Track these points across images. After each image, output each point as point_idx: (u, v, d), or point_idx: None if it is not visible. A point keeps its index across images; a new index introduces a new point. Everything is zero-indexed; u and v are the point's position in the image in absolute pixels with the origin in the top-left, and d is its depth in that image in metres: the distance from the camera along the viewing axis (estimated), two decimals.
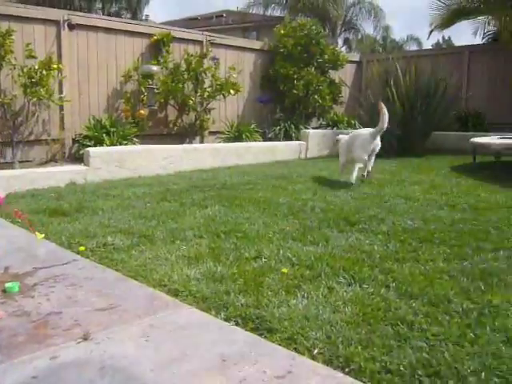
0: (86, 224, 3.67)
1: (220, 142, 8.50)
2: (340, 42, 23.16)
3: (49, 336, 1.84)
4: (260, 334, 1.89)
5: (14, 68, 6.37)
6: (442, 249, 2.95)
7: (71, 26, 7.24)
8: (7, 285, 2.33)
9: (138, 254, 2.92)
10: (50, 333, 1.87)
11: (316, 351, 1.76)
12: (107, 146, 6.82)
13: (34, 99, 6.54)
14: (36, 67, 6.45)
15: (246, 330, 1.91)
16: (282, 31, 9.64)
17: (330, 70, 10.05)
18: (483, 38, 11.57)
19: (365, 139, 5.25)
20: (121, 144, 7.00)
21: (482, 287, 2.35)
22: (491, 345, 1.82)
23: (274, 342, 1.83)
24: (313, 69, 9.58)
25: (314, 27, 9.64)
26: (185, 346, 1.75)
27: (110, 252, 2.98)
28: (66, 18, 7.21)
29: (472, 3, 10.08)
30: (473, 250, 2.93)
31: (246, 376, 1.56)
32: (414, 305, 2.14)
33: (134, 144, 7.22)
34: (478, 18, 10.84)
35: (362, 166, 5.35)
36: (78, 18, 7.49)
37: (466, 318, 2.03)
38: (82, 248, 3.05)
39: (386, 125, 5.06)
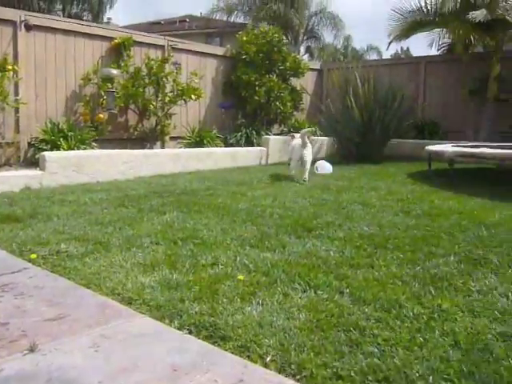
0: (39, 231, 3.57)
1: (181, 148, 8.44)
2: (302, 49, 23.47)
3: None
4: (213, 343, 1.88)
5: None
6: (395, 254, 3.01)
7: (28, 27, 7.05)
8: None
9: (92, 261, 2.86)
10: None
11: (269, 359, 1.77)
12: (64, 150, 6.65)
13: None
14: None
15: (200, 339, 1.90)
16: (245, 38, 9.68)
17: (291, 78, 10.16)
18: (438, 49, 11.97)
19: (296, 147, 6.16)
20: (79, 148, 6.84)
21: (433, 292, 2.41)
22: (439, 348, 1.87)
23: (227, 350, 1.83)
24: (274, 76, 9.66)
25: (275, 35, 9.72)
26: (136, 356, 1.72)
27: (63, 260, 2.91)
28: (22, 18, 7.01)
29: (428, 16, 10.42)
30: (425, 255, 3.01)
31: None
32: (366, 310, 2.17)
33: (93, 148, 7.07)
34: (434, 30, 11.19)
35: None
36: (36, 18, 7.30)
37: (416, 322, 2.08)
38: (33, 256, 2.96)
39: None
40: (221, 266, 2.74)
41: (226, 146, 8.85)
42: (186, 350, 1.78)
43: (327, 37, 24.69)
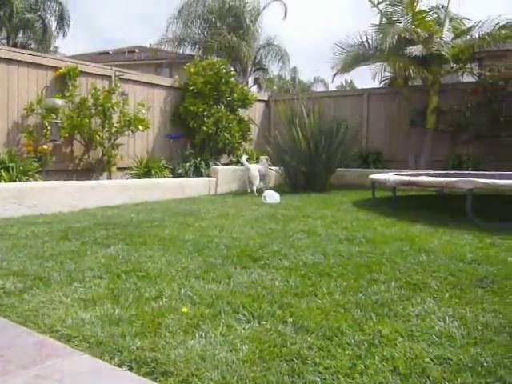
0: None
1: (129, 179, 8.33)
2: (250, 81, 23.92)
3: None
4: (154, 379, 1.84)
5: None
6: (339, 282, 3.07)
7: None
8: None
9: (31, 297, 2.75)
10: None
11: None
12: (5, 181, 6.43)
13: None
14: None
15: (140, 375, 1.85)
16: (192, 69, 9.80)
17: (239, 109, 10.34)
18: (381, 81, 12.54)
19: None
20: (21, 180, 6.63)
21: (374, 318, 2.47)
22: (379, 375, 1.91)
23: None
24: (222, 107, 9.80)
25: (223, 66, 9.90)
26: None
27: (0, 297, 2.78)
28: None
29: (369, 50, 10.94)
30: (367, 282, 3.09)
31: None
32: (309, 339, 2.20)
33: (36, 180, 6.87)
34: (376, 63, 11.75)
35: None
36: None
37: (357, 349, 2.12)
38: None
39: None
40: (165, 299, 2.70)
41: (174, 177, 8.82)
42: None
43: (274, 69, 25.39)
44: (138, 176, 8.34)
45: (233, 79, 10.08)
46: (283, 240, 4.30)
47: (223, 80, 9.75)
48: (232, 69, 10.46)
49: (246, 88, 10.89)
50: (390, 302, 2.71)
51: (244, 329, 2.29)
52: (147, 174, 8.35)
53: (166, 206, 6.74)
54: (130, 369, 1.92)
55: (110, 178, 8.26)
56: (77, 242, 4.21)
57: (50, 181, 6.83)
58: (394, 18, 10.87)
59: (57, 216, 5.83)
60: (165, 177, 8.56)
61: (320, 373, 1.91)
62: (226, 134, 9.65)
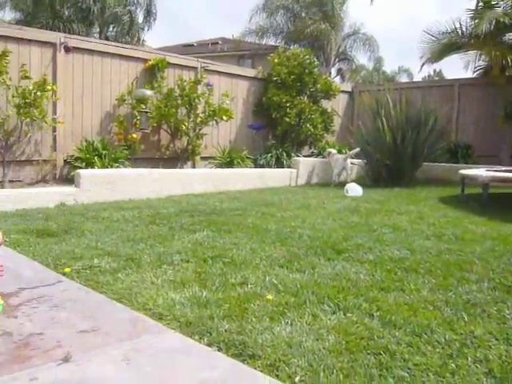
0: (73, 245, 3.66)
1: (211, 168, 8.55)
2: (333, 71, 23.55)
3: (29, 357, 1.82)
4: (242, 360, 1.89)
5: (9, 88, 6.42)
6: (427, 279, 2.96)
7: (67, 49, 7.33)
8: None
9: (124, 277, 2.91)
10: (30, 354, 1.85)
11: (297, 379, 1.76)
12: (98, 168, 6.84)
13: (27, 120, 6.58)
14: (30, 88, 6.51)
15: (229, 356, 1.90)
16: (276, 60, 9.82)
17: (322, 100, 10.22)
18: (474, 71, 11.82)
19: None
20: (112, 167, 7.02)
21: (466, 318, 2.36)
22: (472, 376, 1.82)
23: (255, 368, 1.83)
24: (305, 98, 9.75)
25: (307, 57, 9.83)
26: (166, 371, 1.74)
27: (96, 274, 2.97)
28: (62, 40, 7.31)
29: (462, 38, 10.35)
30: (458, 280, 2.95)
31: None
32: (397, 334, 2.14)
33: (126, 167, 7.25)
34: (469, 52, 11.10)
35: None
36: (75, 40, 7.60)
37: (448, 348, 2.04)
38: (67, 270, 3.03)
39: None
40: (250, 286, 2.75)
41: (255, 167, 8.92)
42: (215, 366, 1.79)
43: (360, 58, 24.73)
44: (221, 165, 8.53)
45: (316, 70, 9.97)
46: (367, 234, 4.21)
47: (307, 70, 9.69)
48: (315, 59, 10.32)
49: (329, 79, 10.75)
50: (482, 303, 2.57)
51: (330, 319, 2.28)
52: (229, 164, 8.52)
53: (247, 195, 6.85)
54: (219, 349, 1.98)
55: (193, 166, 8.53)
56: (164, 227, 4.39)
57: (139, 168, 7.18)
58: (492, 2, 10.14)
59: (145, 202, 6.11)
60: (247, 167, 8.68)
61: (409, 369, 1.86)
62: (308, 125, 9.60)
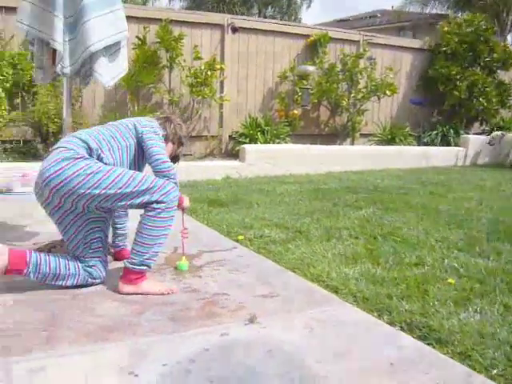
0: (242, 215, 3.83)
1: (371, 145, 8.29)
2: (509, 39, 21.02)
3: (218, 314, 1.94)
4: (428, 344, 1.77)
5: (183, 69, 6.91)
6: None
7: (234, 29, 7.63)
8: (178, 263, 2.52)
9: (294, 248, 2.95)
10: (218, 311, 1.96)
11: (495, 372, 1.59)
12: (261, 143, 7.06)
13: (199, 98, 7.03)
14: (202, 68, 6.93)
15: (414, 338, 1.80)
16: (446, 28, 9.06)
17: (498, 70, 9.19)
18: None
19: None
20: (273, 142, 7.20)
21: None
22: None
23: (444, 354, 1.70)
24: (478, 68, 8.85)
25: (482, 23, 8.88)
26: (349, 344, 1.71)
27: (267, 244, 3.06)
28: (229, 21, 7.62)
29: None
30: None
31: None
32: None
33: (286, 143, 7.37)
34: None
35: None
36: (240, 21, 7.87)
37: None
38: (240, 237, 3.18)
39: None
40: (426, 267, 2.59)
41: (418, 145, 8.43)
42: (400, 346, 1.71)
43: None
44: (381, 143, 8.22)
45: (493, 37, 8.96)
46: None
47: (482, 38, 8.76)
48: (492, 25, 9.27)
49: (509, 46, 9.57)
50: None
51: None
52: (390, 141, 8.16)
53: (410, 174, 6.50)
54: (401, 329, 1.88)
55: (352, 143, 8.35)
56: (328, 203, 4.37)
57: (299, 144, 7.26)
58: None
59: (305, 177, 6.17)
60: (409, 144, 8.24)
61: None
62: (480, 99, 8.71)
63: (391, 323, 1.93)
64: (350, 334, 1.79)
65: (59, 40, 2.53)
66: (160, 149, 2.24)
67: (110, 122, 2.40)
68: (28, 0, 2.57)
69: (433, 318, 1.94)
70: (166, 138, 2.41)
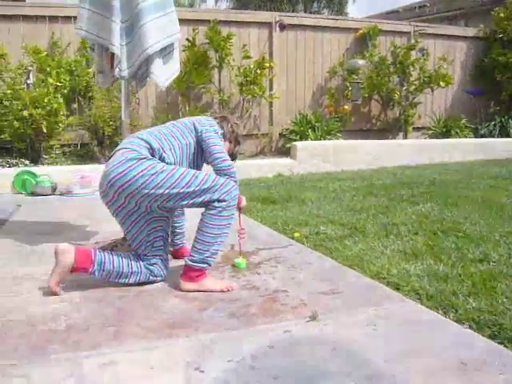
0: (296, 212, 3.81)
1: (425, 138, 8.05)
2: None
3: (279, 311, 1.93)
4: (499, 343, 1.69)
5: (232, 69, 6.96)
6: None
7: (282, 27, 7.60)
8: (236, 260, 2.54)
9: (352, 244, 2.90)
10: (279, 308, 1.96)
11: None
12: (311, 140, 7.01)
13: (249, 96, 7.06)
14: (251, 66, 6.95)
15: (484, 336, 1.73)
16: (502, 14, 8.65)
17: None
18: None
19: None
20: (324, 139, 7.12)
21: None
22: None
23: None
24: None
25: None
26: (416, 342, 1.66)
27: (323, 240, 3.03)
28: (277, 19, 7.60)
29: None
30: None
31: None
32: None
33: (337, 139, 7.28)
34: None
35: None
36: (288, 18, 7.83)
37: None
38: (296, 234, 3.16)
39: None
40: (492, 263, 2.48)
41: (475, 137, 8.10)
42: (470, 345, 1.64)
43: None
44: (436, 136, 7.97)
45: None
46: None
47: None
48: None
49: None
50: None
51: None
52: (446, 134, 7.89)
53: (468, 167, 6.27)
54: (470, 327, 1.81)
55: (405, 137, 8.13)
56: (383, 198, 4.28)
57: (350, 140, 7.15)
58: None
59: (357, 173, 6.07)
60: (465, 137, 7.94)
61: None
62: None
63: (458, 321, 1.86)
64: (416, 331, 1.74)
65: (117, 44, 2.60)
66: (220, 147, 2.26)
67: (170, 122, 2.45)
68: (86, 7, 2.66)
69: (503, 316, 1.86)
70: (224, 137, 2.43)
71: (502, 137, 8.08)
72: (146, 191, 2.08)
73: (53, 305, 2.02)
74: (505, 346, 1.68)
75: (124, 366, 1.53)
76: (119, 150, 2.21)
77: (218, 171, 2.22)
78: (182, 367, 1.51)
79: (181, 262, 2.29)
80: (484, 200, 4.00)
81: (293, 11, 23.84)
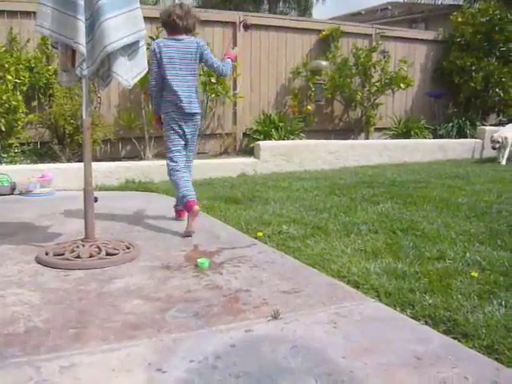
0: (259, 212, 3.83)
1: (386, 139, 8.23)
2: None
3: (241, 310, 1.95)
4: (453, 338, 1.76)
5: None
6: None
7: (246, 26, 7.57)
8: (199, 260, 2.54)
9: (314, 243, 2.95)
10: (241, 308, 1.98)
11: None
12: (275, 140, 7.05)
13: (213, 95, 7.04)
14: None
15: (439, 332, 1.79)
16: (460, 19, 8.94)
17: None
18: None
19: None
20: (288, 139, 7.18)
21: None
22: None
23: (471, 348, 1.69)
24: (494, 59, 8.72)
25: (497, 12, 8.75)
26: (374, 339, 1.71)
27: (286, 240, 3.06)
28: (241, 19, 7.60)
29: None
30: None
31: (445, 379, 1.45)
32: None
33: (301, 139, 7.36)
34: None
35: None
36: (252, 18, 7.83)
37: None
38: (259, 234, 3.18)
39: None
40: (448, 261, 2.57)
41: (434, 138, 8.34)
42: (425, 340, 1.71)
43: None
44: (396, 136, 8.15)
45: (510, 26, 8.79)
46: None
47: (497, 28, 8.63)
48: (508, 14, 9.10)
49: None
50: None
51: None
52: (406, 135, 8.09)
53: (427, 167, 6.45)
54: (426, 323, 1.88)
55: (367, 138, 8.29)
56: (345, 198, 4.36)
57: (313, 140, 7.23)
58: None
59: (320, 172, 6.16)
60: (425, 138, 8.16)
61: None
62: (497, 89, 8.58)
63: (415, 318, 1.92)
64: (375, 328, 1.79)
65: (83, 42, 2.54)
66: None
67: None
68: (48, 4, 2.60)
69: (457, 312, 1.93)
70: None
71: (459, 137, 8.35)
72: None
73: (12, 307, 1.97)
74: (459, 341, 1.75)
75: (84, 369, 1.52)
76: None
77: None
78: (144, 368, 1.51)
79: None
80: (442, 199, 4.13)
81: (257, 12, 23.91)
